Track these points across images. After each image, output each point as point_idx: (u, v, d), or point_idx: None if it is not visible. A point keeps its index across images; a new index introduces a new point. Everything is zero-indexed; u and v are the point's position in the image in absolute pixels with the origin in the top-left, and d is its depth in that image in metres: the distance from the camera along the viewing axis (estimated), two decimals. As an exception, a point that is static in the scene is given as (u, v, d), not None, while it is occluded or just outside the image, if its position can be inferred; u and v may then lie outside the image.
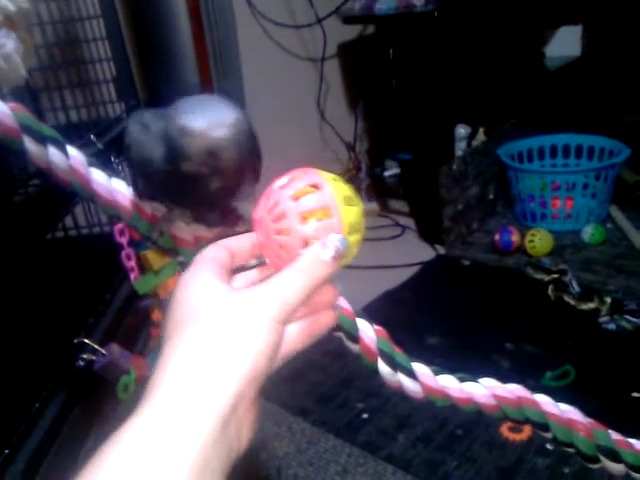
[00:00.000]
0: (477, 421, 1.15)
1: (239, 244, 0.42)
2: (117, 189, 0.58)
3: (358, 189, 2.31)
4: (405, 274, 1.74)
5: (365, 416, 1.20)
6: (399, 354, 0.61)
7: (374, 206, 2.22)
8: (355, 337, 0.60)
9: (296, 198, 0.39)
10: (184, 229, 0.58)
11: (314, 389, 1.29)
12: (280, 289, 0.37)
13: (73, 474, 0.31)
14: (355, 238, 0.41)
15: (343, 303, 0.59)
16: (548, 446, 1.08)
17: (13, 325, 0.67)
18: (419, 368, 0.62)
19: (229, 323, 0.35)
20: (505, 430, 1.12)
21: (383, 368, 0.60)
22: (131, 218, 0.58)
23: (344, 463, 1.09)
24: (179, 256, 0.60)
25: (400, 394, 1.30)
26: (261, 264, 0.45)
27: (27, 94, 0.74)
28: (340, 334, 0.60)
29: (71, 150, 0.58)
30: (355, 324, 0.60)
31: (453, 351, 1.36)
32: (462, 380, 0.62)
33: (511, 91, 2.21)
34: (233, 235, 0.59)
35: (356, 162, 2.38)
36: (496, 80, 2.12)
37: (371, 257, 1.87)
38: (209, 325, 0.35)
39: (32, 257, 0.74)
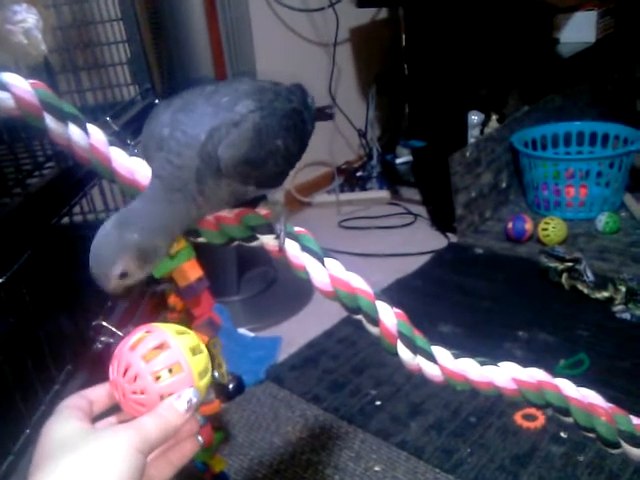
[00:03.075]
0: (491, 409, 1.15)
1: (96, 394, 0.45)
2: (137, 169, 0.58)
3: (369, 176, 2.30)
4: (417, 262, 1.73)
5: (378, 403, 1.19)
6: (419, 337, 0.61)
7: (385, 194, 2.21)
8: (375, 320, 0.59)
9: (146, 359, 0.42)
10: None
11: (326, 376, 1.29)
12: (140, 425, 0.41)
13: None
14: (205, 382, 0.45)
15: (364, 286, 0.59)
16: (562, 434, 1.08)
17: (34, 308, 0.67)
18: (439, 352, 0.62)
19: (91, 455, 0.38)
20: (519, 418, 1.12)
21: (403, 351, 0.60)
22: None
23: (357, 449, 1.09)
24: (200, 237, 0.60)
25: (413, 382, 1.30)
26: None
27: (45, 75, 0.73)
28: (360, 317, 0.60)
29: (91, 128, 0.57)
30: (375, 307, 0.59)
31: (466, 339, 1.35)
32: (482, 364, 0.61)
33: (525, 77, 2.19)
34: (252, 215, 0.59)
35: (367, 149, 2.37)
36: (510, 66, 2.10)
37: (383, 245, 1.86)
38: (73, 458, 0.38)
39: (48, 241, 0.74)
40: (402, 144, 2.36)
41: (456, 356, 0.61)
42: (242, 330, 1.47)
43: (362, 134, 2.35)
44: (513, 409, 1.13)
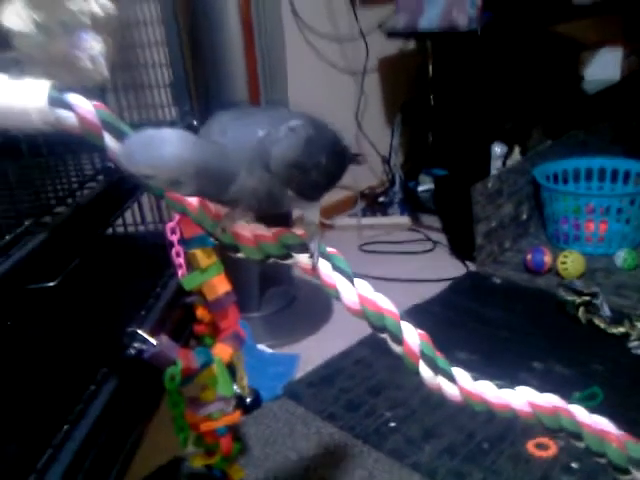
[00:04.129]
0: (503, 435, 1.16)
1: None
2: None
3: (391, 202, 2.34)
4: (435, 289, 1.76)
5: (392, 425, 1.22)
6: (440, 358, 0.64)
7: (406, 220, 2.25)
8: (399, 339, 0.63)
9: None
10: (245, 227, 0.62)
11: (343, 395, 1.32)
12: None
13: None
14: None
15: (391, 306, 0.62)
16: (574, 465, 1.09)
17: (74, 315, 0.72)
18: (458, 373, 0.65)
19: None
20: (531, 446, 1.13)
21: (424, 370, 0.63)
22: (197, 214, 0.62)
23: (370, 468, 1.11)
24: (239, 252, 0.64)
25: (428, 405, 1.32)
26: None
27: (98, 93, 0.79)
28: (385, 335, 0.63)
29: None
30: (400, 326, 0.62)
31: (481, 367, 1.37)
32: (499, 387, 0.64)
33: (549, 112, 2.22)
34: (289, 234, 0.63)
35: (390, 175, 2.42)
36: (535, 101, 2.14)
37: (402, 270, 1.89)
38: None
39: (93, 251, 0.79)
40: (424, 172, 2.40)
41: (475, 378, 0.64)
42: (261, 346, 1.51)
43: (386, 160, 2.40)
44: (526, 437, 1.14)
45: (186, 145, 0.50)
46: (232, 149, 0.53)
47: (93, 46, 0.61)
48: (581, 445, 0.62)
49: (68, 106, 0.60)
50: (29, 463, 0.61)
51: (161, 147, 0.49)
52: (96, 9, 0.60)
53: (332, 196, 2.26)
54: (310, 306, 1.67)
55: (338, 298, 0.63)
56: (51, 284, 0.64)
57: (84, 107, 0.60)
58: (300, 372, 1.42)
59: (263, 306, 1.63)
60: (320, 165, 0.56)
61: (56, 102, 0.60)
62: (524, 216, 2.02)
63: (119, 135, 0.60)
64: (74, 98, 0.61)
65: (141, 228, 1.01)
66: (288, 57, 1.57)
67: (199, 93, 1.44)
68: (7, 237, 0.63)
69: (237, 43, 1.40)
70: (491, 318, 1.58)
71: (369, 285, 0.62)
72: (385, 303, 0.63)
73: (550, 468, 1.09)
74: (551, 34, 2.18)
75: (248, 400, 1.26)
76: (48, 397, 0.65)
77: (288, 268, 1.75)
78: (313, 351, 1.50)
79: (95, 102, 0.61)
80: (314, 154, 0.56)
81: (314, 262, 0.62)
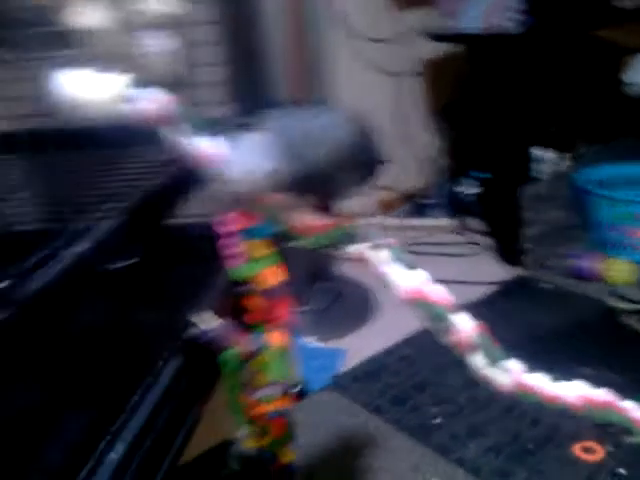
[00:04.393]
0: (550, 438, 1.17)
1: None
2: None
3: (435, 204, 2.35)
4: (479, 292, 1.76)
5: (438, 420, 1.23)
6: (494, 347, 0.66)
7: (449, 222, 2.25)
8: (454, 329, 0.65)
9: None
10: (303, 218, 0.65)
11: (388, 390, 1.34)
12: None
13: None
14: None
15: (444, 295, 0.65)
16: (621, 470, 1.08)
17: (143, 298, 0.76)
18: (511, 363, 0.66)
19: None
20: (577, 449, 1.13)
21: (477, 359, 0.65)
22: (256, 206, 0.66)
23: (416, 461, 1.13)
24: (294, 241, 0.67)
25: (474, 404, 1.33)
26: None
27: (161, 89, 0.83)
28: (438, 325, 0.65)
29: (212, 141, 0.66)
30: (454, 317, 0.65)
31: (529, 371, 1.37)
32: (554, 379, 0.65)
33: (595, 117, 2.19)
34: (345, 224, 0.66)
35: (435, 177, 2.42)
36: (577, 105, 2.12)
37: (444, 272, 1.87)
38: None
39: (158, 238, 0.83)
40: (469, 175, 2.40)
41: (527, 370, 0.66)
42: (307, 339, 1.54)
43: (430, 162, 2.41)
44: (572, 440, 1.14)
45: (280, 158, 0.54)
46: (301, 144, 0.56)
47: (165, 44, 0.65)
48: (632, 440, 0.63)
49: (143, 99, 0.65)
50: (105, 426, 0.66)
51: (258, 163, 0.54)
52: (173, 10, 0.65)
53: (376, 196, 2.28)
54: (355, 303, 1.70)
55: (394, 287, 0.65)
56: (121, 265, 0.69)
57: (158, 100, 0.65)
58: (344, 367, 1.45)
59: (310, 301, 1.66)
60: (371, 152, 0.61)
61: (132, 95, 0.64)
62: (572, 222, 1.99)
63: (189, 127, 0.64)
64: (149, 92, 0.65)
65: (195, 220, 1.05)
66: (332, 58, 1.60)
67: (247, 92, 1.49)
68: (81, 222, 0.68)
69: (285, 43, 1.44)
70: (539, 322, 1.58)
71: (426, 275, 0.65)
72: (442, 293, 0.65)
73: (596, 472, 1.08)
74: (592, 38, 2.15)
75: (296, 389, 1.29)
76: (121, 370, 0.69)
77: (335, 265, 1.78)
78: (357, 347, 1.52)
79: (169, 96, 0.65)
80: (365, 143, 0.60)
81: (369, 252, 0.65)
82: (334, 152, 0.58)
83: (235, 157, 0.55)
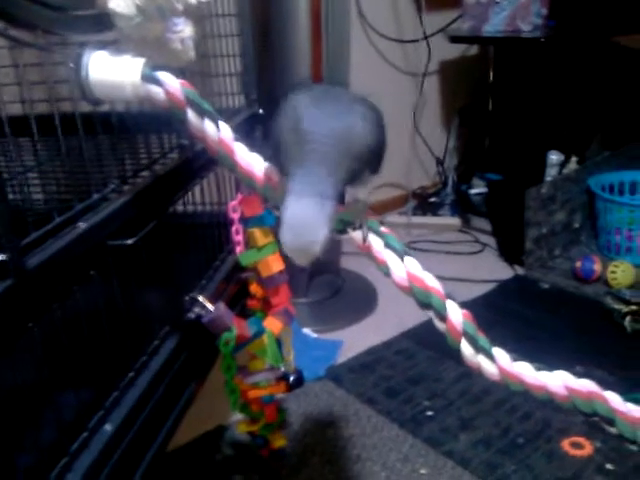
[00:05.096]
0: (539, 432, 1.18)
1: None
2: (254, 162, 0.68)
3: (442, 203, 2.36)
4: (481, 290, 1.78)
5: (430, 413, 1.25)
6: (481, 337, 0.68)
7: (456, 221, 2.26)
8: (443, 316, 0.67)
9: None
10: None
11: (382, 382, 1.36)
12: None
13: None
14: None
15: (437, 285, 0.67)
16: (609, 466, 1.10)
17: (145, 280, 0.78)
18: (498, 353, 0.68)
19: None
20: (566, 445, 1.15)
21: (465, 348, 0.67)
22: (263, 187, 0.68)
23: (406, 452, 1.15)
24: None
25: (465, 398, 1.35)
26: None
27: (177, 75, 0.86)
28: (430, 312, 0.67)
29: (222, 124, 0.68)
30: (445, 305, 0.67)
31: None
32: (537, 369, 0.67)
33: (609, 123, 2.20)
34: (347, 212, 0.68)
35: (443, 177, 2.44)
36: (594, 110, 2.12)
37: (449, 270, 1.91)
38: None
39: (162, 224, 0.85)
40: (478, 176, 2.41)
41: (514, 359, 0.68)
42: (306, 330, 1.56)
43: (440, 162, 2.42)
44: (562, 435, 1.16)
45: (328, 225, 0.56)
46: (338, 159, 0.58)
47: (184, 30, 0.67)
48: (613, 430, 0.65)
49: (158, 82, 0.67)
50: (98, 403, 0.68)
51: (310, 241, 0.57)
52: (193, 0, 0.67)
53: (385, 193, 2.30)
54: (355, 296, 1.72)
55: (388, 274, 0.67)
56: (129, 242, 0.71)
57: (172, 84, 0.67)
58: (341, 358, 1.47)
59: (310, 293, 1.68)
60: (383, 142, 0.63)
61: (148, 78, 0.66)
62: (576, 224, 2.01)
63: (200, 111, 0.67)
64: (164, 75, 0.68)
65: (200, 208, 1.07)
66: (351, 55, 1.62)
67: (264, 82, 1.51)
68: (95, 196, 0.70)
69: (305, 37, 1.46)
70: (536, 321, 1.59)
71: (418, 263, 0.67)
72: (432, 281, 0.67)
73: (584, 467, 1.10)
74: (614, 44, 2.16)
75: (292, 377, 1.32)
76: (118, 346, 0.72)
77: (336, 258, 1.80)
78: (355, 339, 1.55)
79: (181, 80, 0.67)
80: (380, 134, 0.62)
81: (364, 236, 0.67)
82: (360, 150, 0.60)
83: (289, 224, 0.57)
